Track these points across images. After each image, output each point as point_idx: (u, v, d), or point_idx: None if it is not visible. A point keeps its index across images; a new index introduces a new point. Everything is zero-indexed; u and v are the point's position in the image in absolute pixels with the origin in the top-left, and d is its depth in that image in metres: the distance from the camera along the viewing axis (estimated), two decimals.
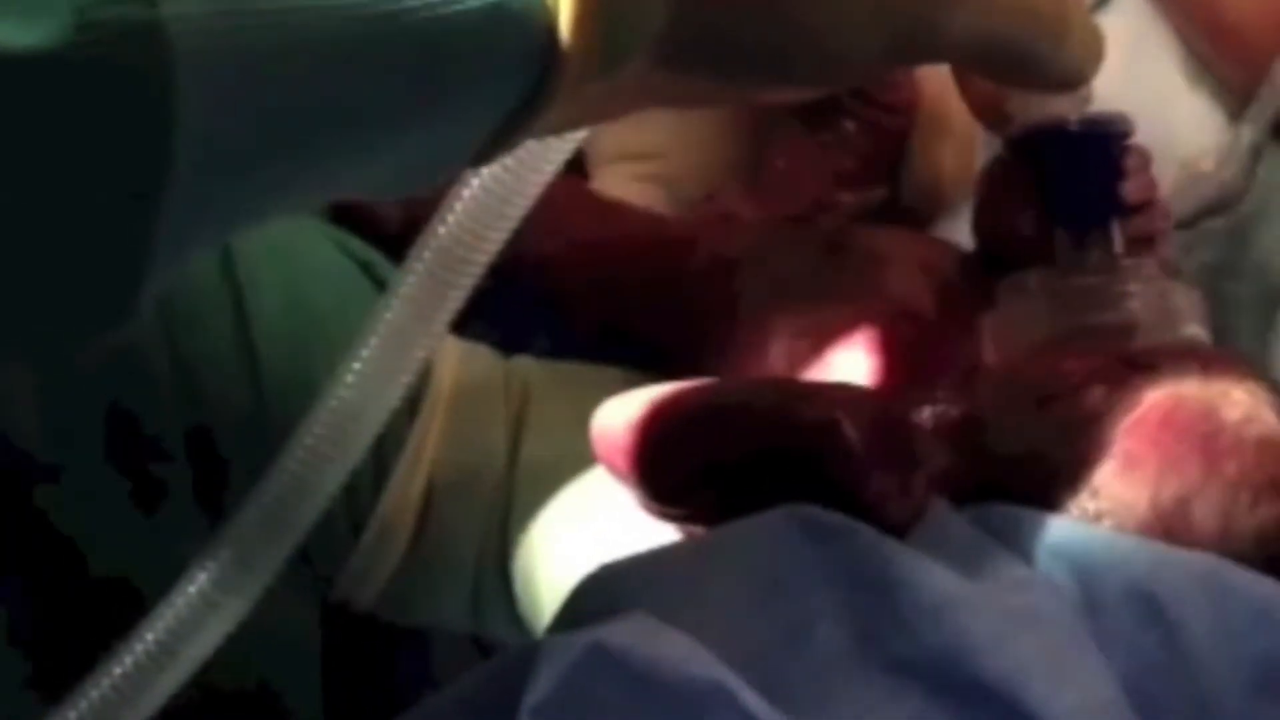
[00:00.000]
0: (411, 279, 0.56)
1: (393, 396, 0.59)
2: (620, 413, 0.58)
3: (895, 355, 0.60)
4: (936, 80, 0.75)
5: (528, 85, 0.42)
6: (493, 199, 0.54)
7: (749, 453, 0.55)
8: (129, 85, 0.35)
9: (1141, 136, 0.59)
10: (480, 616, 0.75)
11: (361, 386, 0.58)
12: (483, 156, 0.44)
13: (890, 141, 0.78)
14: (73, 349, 0.39)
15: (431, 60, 0.40)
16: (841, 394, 0.56)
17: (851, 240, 0.65)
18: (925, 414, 0.56)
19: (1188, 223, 0.77)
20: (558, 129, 0.48)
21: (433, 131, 0.42)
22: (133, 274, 0.37)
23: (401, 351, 0.58)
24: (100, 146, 0.35)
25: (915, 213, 0.80)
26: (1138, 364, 0.54)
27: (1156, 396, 0.53)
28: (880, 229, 0.67)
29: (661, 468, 0.57)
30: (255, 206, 0.41)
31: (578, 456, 0.63)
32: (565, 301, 0.74)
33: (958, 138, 0.80)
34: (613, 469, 0.58)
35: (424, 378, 0.72)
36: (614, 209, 0.75)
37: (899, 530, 0.53)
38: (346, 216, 0.77)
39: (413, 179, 0.44)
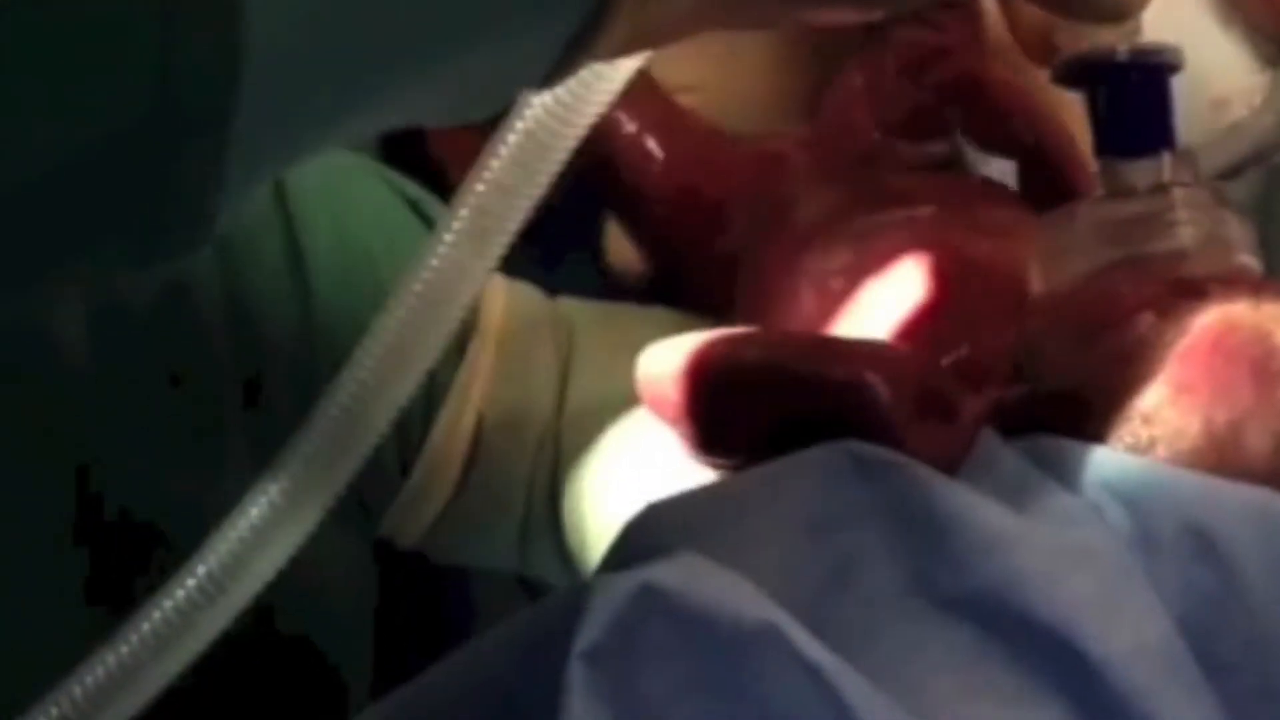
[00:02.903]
0: (463, 214, 0.56)
1: (445, 330, 0.59)
2: (665, 361, 0.57)
3: (939, 290, 0.59)
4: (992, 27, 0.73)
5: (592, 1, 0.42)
6: (542, 135, 0.54)
7: (786, 412, 0.55)
8: (196, 4, 0.35)
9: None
10: (528, 557, 0.75)
11: (414, 319, 0.58)
12: (549, 78, 0.44)
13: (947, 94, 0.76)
14: (143, 272, 0.39)
15: None
16: (873, 352, 0.56)
17: (888, 183, 0.64)
18: (969, 351, 0.55)
19: (1228, 174, 0.76)
20: (619, 50, 0.47)
21: (500, 48, 0.41)
22: (205, 196, 0.37)
23: (454, 285, 0.58)
24: (170, 65, 0.35)
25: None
26: (1188, 290, 0.53)
27: (1207, 322, 0.52)
28: (917, 174, 0.66)
29: (705, 420, 0.57)
30: (321, 128, 0.40)
31: (625, 395, 0.63)
32: (632, 230, 0.74)
33: None
34: (660, 416, 0.58)
35: (472, 316, 0.71)
36: (716, 153, 0.73)
37: (947, 470, 0.53)
38: (398, 155, 0.76)
39: (481, 101, 0.44)
